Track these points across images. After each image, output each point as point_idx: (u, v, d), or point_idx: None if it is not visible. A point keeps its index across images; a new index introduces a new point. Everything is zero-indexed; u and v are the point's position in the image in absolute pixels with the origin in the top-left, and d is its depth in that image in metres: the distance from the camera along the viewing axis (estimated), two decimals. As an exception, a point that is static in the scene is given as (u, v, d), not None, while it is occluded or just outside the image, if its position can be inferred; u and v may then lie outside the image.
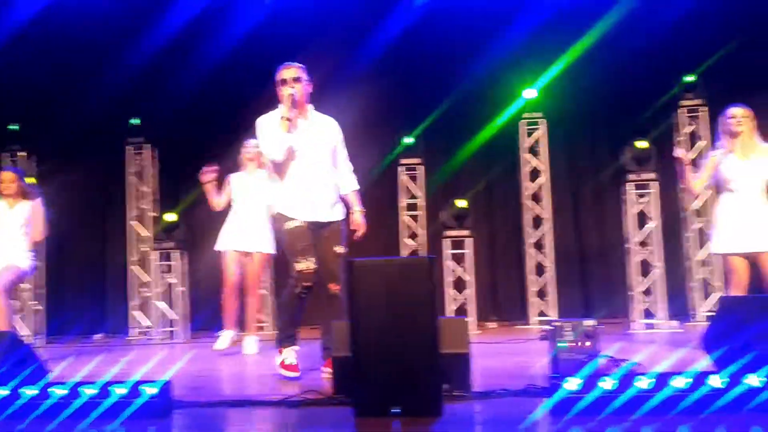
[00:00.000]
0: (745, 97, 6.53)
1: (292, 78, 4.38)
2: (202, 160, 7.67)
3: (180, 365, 4.92)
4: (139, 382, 3.25)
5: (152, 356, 5.77)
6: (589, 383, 3.08)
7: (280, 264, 6.34)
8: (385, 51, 8.01)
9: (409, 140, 8.49)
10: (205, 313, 8.20)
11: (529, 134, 8.46)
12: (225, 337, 6.18)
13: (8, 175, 6.00)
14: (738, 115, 5.05)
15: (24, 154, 8.79)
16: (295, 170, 4.40)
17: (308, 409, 3.40)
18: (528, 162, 8.46)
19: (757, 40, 7.76)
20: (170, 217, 7.91)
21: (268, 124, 4.39)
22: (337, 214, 4.52)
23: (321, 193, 4.42)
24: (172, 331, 8.21)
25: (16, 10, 7.75)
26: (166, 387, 3.28)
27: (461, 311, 7.82)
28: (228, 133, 7.54)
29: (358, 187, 4.68)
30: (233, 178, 6.51)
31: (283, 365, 4.41)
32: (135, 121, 8.67)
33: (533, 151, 8.46)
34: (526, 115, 8.40)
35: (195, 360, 5.64)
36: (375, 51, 7.95)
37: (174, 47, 8.03)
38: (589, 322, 3.84)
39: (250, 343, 6.20)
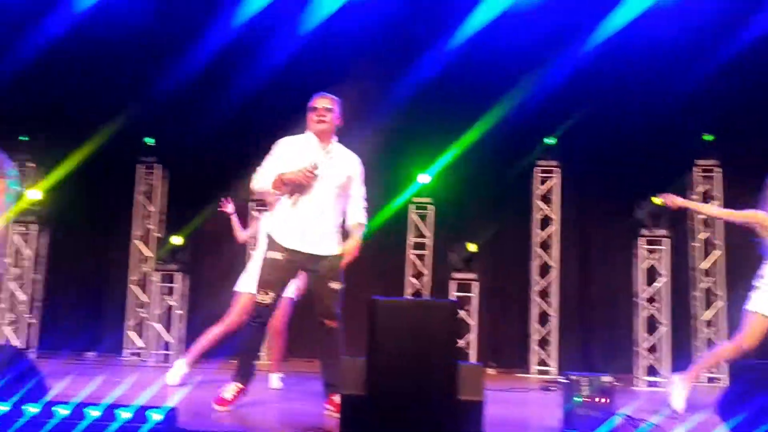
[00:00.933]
0: (760, 159, 6.56)
1: (325, 108, 4.38)
2: (214, 184, 7.64)
3: (184, 391, 4.80)
4: (144, 407, 3.14)
5: (153, 380, 5.64)
6: (608, 442, 3.00)
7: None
8: (406, 89, 8.01)
9: (425, 179, 8.45)
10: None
11: (543, 182, 8.44)
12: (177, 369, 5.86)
13: None
14: None
15: (33, 165, 8.73)
16: (298, 201, 4.35)
17: (315, 446, 3.30)
18: (540, 209, 8.42)
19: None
20: (177, 240, 7.83)
21: (281, 151, 4.39)
22: (332, 248, 4.40)
23: (315, 226, 4.33)
24: (167, 355, 8.07)
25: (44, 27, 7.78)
26: (172, 414, 3.17)
27: (462, 355, 7.71)
28: (243, 160, 7.50)
29: (364, 221, 4.59)
30: (264, 219, 6.05)
31: (215, 398, 4.30)
32: (149, 141, 8.64)
33: (546, 198, 8.43)
34: (540, 162, 8.39)
35: (198, 387, 5.51)
36: (396, 88, 7.95)
37: (196, 71, 8.02)
38: (606, 378, 3.75)
39: (275, 380, 5.98)
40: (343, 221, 4.53)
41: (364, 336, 3.24)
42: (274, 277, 4.29)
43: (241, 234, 6.29)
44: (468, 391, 3.47)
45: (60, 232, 8.79)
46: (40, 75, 8.22)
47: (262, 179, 4.38)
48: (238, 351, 4.45)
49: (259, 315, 4.29)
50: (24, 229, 8.41)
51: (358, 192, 4.59)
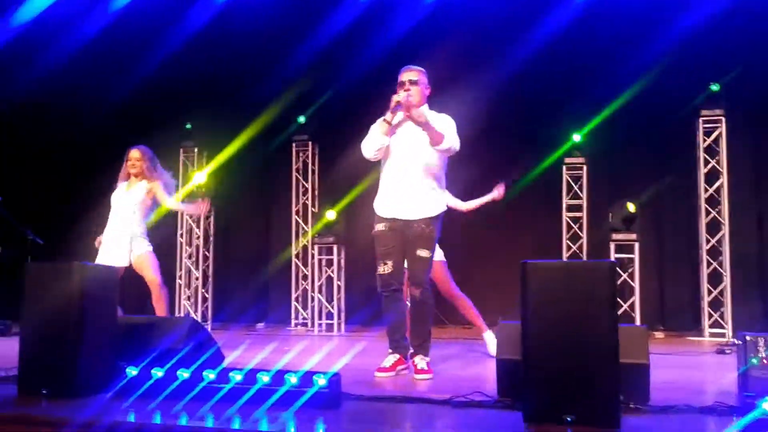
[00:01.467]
0: None
1: (410, 80, 4.44)
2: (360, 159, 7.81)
3: (347, 358, 4.99)
4: (310, 373, 3.29)
5: (318, 348, 5.90)
6: (789, 405, 2.78)
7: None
8: (552, 48, 7.74)
9: (576, 138, 8.18)
10: (362, 309, 8.27)
11: (708, 132, 7.87)
12: None
13: (135, 153, 5.64)
14: None
15: (195, 150, 9.34)
16: (388, 169, 4.48)
17: (474, 410, 3.31)
18: (706, 162, 7.87)
19: None
20: (330, 215, 8.09)
21: (374, 125, 4.47)
22: (423, 211, 4.41)
23: (406, 191, 4.40)
24: (330, 324, 8.40)
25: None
26: (335, 379, 3.30)
27: (626, 318, 7.42)
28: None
29: (448, 139, 4.38)
30: None
31: (377, 367, 4.42)
32: (301, 119, 8.96)
33: (711, 150, 7.86)
34: (704, 112, 7.81)
35: (361, 354, 5.71)
36: (542, 48, 7.70)
37: (340, 47, 8.21)
38: (786, 338, 3.47)
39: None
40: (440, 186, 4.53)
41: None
42: (385, 248, 4.43)
43: None
44: (631, 355, 3.35)
45: (226, 211, 9.37)
46: (200, 67, 8.78)
47: (367, 144, 4.45)
48: (386, 324, 4.57)
49: (386, 285, 4.42)
50: (193, 209, 9.03)
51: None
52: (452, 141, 4.38)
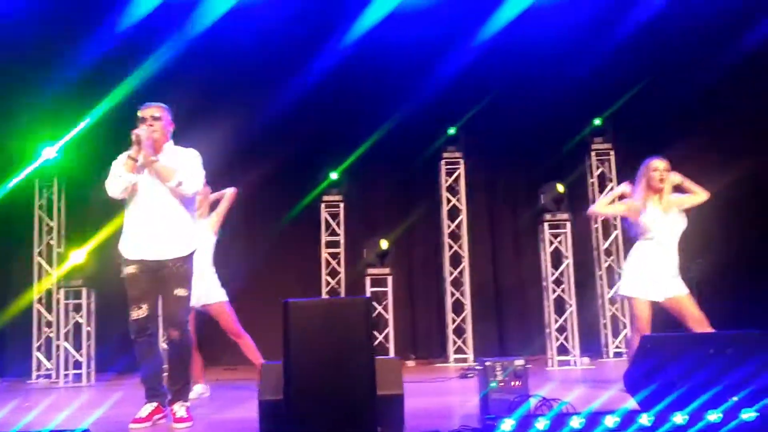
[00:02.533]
0: (651, 138, 6.93)
1: (152, 116, 4.32)
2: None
3: (101, 411, 4.64)
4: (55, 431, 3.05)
5: (67, 402, 5.42)
6: (523, 424, 3.11)
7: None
8: (310, 88, 8.00)
9: (334, 176, 8.51)
10: (118, 357, 7.74)
11: (449, 173, 8.61)
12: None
13: None
14: (661, 168, 5.10)
15: None
16: (133, 208, 4.32)
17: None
18: (448, 200, 8.59)
19: (662, 84, 8.19)
20: (78, 255, 7.55)
21: (117, 162, 4.31)
22: (175, 251, 4.28)
23: (155, 230, 4.25)
24: (78, 374, 7.77)
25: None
26: (85, 436, 3.08)
27: (381, 349, 7.79)
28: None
29: (183, 178, 4.26)
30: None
31: (132, 418, 4.21)
32: (49, 155, 8.26)
33: (453, 189, 8.60)
34: (445, 154, 8.55)
35: (116, 405, 5.34)
36: (300, 88, 7.94)
37: (90, 77, 7.78)
38: (518, 362, 3.87)
39: (198, 389, 5.75)
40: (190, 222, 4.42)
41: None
42: (139, 291, 4.24)
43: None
44: (387, 386, 3.53)
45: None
46: None
47: (112, 184, 4.26)
48: (141, 372, 4.35)
49: (141, 330, 4.23)
50: None
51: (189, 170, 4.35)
52: (182, 178, 4.23)
